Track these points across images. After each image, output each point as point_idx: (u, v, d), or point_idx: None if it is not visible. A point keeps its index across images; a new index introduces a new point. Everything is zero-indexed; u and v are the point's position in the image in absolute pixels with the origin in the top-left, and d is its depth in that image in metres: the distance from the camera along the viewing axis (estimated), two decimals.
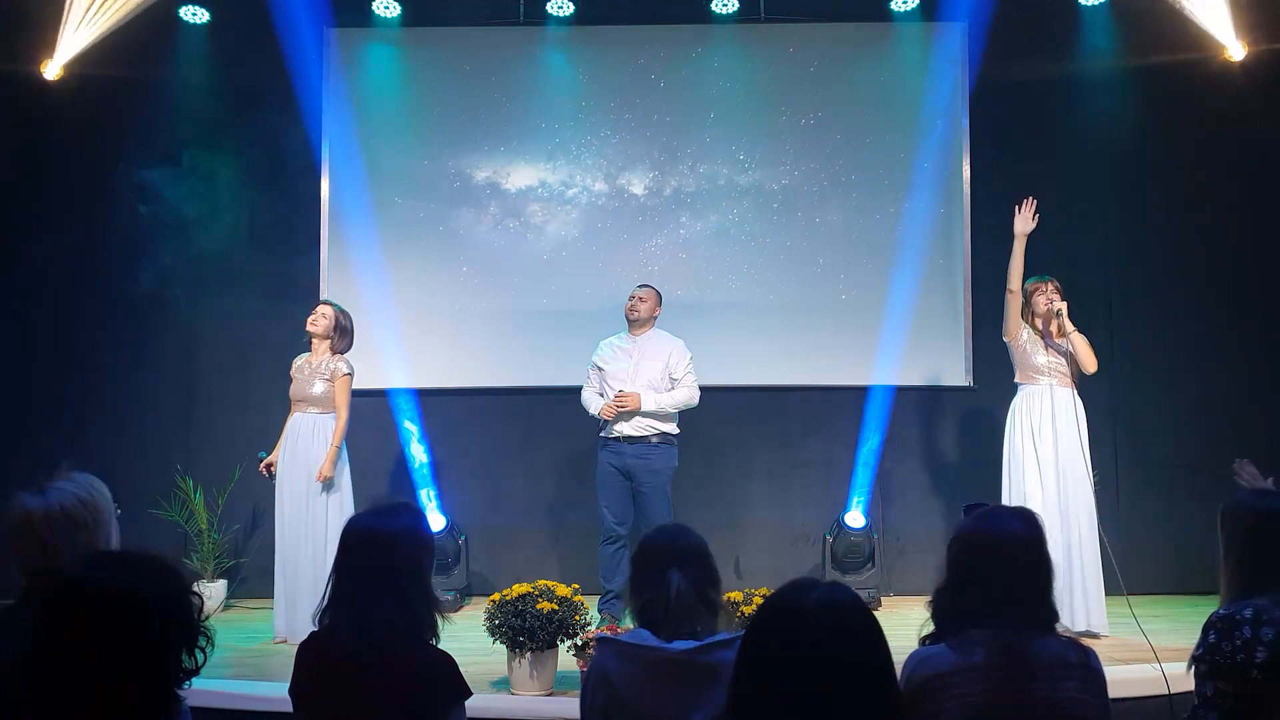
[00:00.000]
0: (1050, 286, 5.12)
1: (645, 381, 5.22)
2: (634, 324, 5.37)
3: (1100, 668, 2.09)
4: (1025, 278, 5.11)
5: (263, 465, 5.17)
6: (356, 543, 2.23)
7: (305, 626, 4.94)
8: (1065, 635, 2.12)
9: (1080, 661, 2.05)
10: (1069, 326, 5.03)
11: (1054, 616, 2.10)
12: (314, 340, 5.18)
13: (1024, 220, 5.09)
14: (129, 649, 1.51)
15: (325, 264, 6.38)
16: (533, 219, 6.46)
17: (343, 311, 5.24)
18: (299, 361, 5.22)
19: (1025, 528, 2.12)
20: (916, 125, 6.42)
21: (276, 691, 3.79)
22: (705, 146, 6.46)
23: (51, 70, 6.06)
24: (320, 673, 2.19)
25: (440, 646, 2.25)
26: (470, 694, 2.22)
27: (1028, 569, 2.08)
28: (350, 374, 5.15)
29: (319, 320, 5.16)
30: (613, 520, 5.21)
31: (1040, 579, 2.09)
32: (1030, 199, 5.11)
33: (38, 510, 2.13)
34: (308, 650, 2.24)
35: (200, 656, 1.61)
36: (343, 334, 5.19)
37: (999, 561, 2.07)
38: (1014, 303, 5.12)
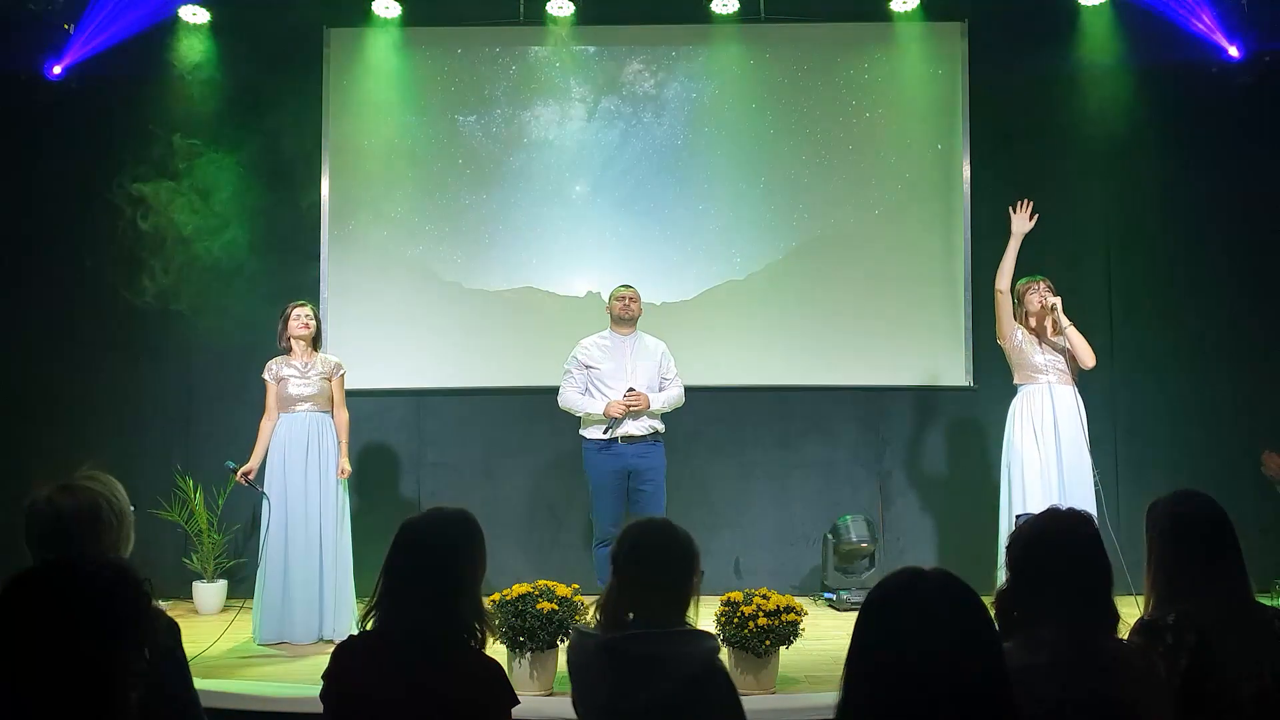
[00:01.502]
0: (1042, 285, 5.10)
1: (644, 381, 5.24)
2: (626, 323, 5.36)
3: (1161, 669, 2.08)
4: (1017, 278, 5.11)
5: (240, 474, 5.10)
6: (413, 544, 2.21)
7: (298, 629, 5.01)
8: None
9: (1143, 662, 2.05)
10: (1064, 321, 5.00)
11: (1115, 616, 2.08)
12: (297, 342, 5.25)
13: (1021, 221, 5.08)
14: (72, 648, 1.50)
15: (325, 264, 6.38)
16: (531, 218, 6.45)
17: (316, 310, 5.46)
18: (280, 366, 5.24)
19: (1086, 529, 2.12)
20: (916, 124, 6.42)
21: (256, 691, 3.80)
22: (706, 146, 6.45)
23: (53, 71, 6.06)
24: (364, 674, 2.14)
25: None
26: (518, 701, 2.19)
27: (1091, 569, 2.08)
28: (344, 370, 5.32)
29: (310, 323, 5.27)
30: (609, 523, 5.18)
31: (1103, 579, 2.09)
32: (1027, 200, 5.10)
33: (68, 508, 2.14)
34: (349, 651, 2.21)
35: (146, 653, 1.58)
36: (320, 331, 5.39)
37: (1064, 562, 2.06)
38: (1004, 303, 5.10)
